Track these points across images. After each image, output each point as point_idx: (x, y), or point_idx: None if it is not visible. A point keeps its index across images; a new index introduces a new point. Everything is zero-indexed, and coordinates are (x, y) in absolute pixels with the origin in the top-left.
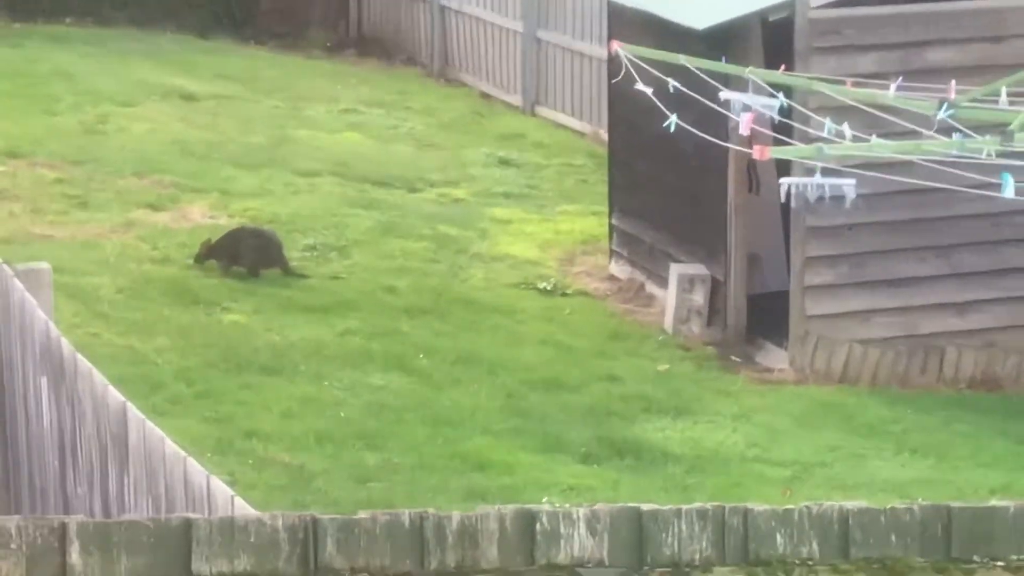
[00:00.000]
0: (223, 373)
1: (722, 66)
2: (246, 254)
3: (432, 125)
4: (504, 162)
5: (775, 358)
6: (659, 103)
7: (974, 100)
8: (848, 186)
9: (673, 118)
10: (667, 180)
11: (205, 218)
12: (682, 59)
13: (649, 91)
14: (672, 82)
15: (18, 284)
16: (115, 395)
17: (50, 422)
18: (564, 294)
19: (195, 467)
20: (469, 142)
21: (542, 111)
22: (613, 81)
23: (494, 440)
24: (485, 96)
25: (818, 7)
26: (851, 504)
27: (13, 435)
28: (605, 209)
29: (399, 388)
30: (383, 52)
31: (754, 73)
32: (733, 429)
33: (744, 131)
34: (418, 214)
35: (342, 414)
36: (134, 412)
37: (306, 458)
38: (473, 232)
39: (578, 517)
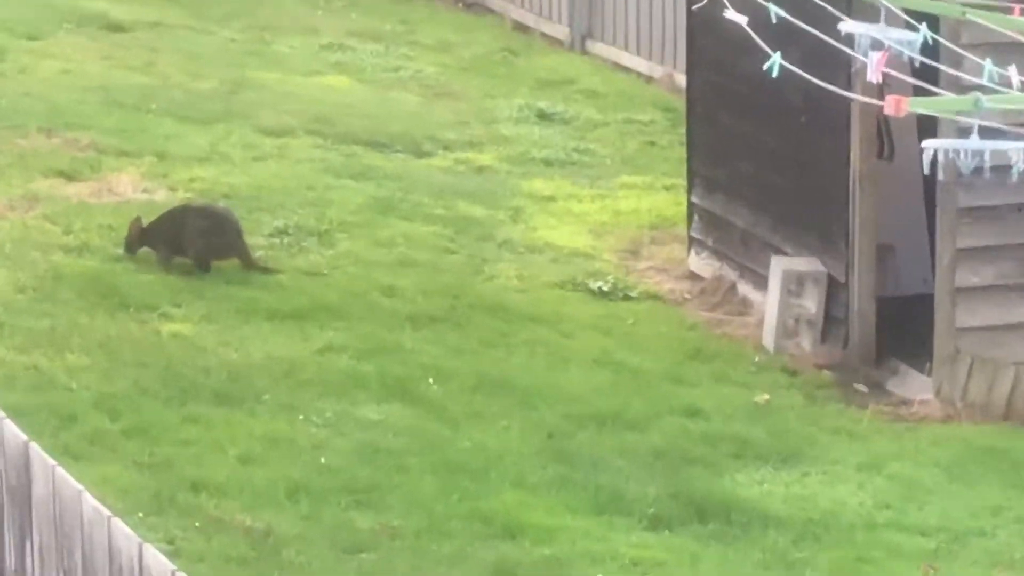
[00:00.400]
0: (161, 402)
1: None
2: (192, 240)
3: (447, 66)
4: (544, 117)
5: (914, 386)
6: (757, 38)
7: None
8: (1016, 151)
9: (776, 57)
10: (767, 143)
11: (137, 192)
12: None
13: (743, 21)
14: (775, 8)
15: None
16: (13, 431)
17: None
18: (626, 297)
19: (123, 531)
20: (497, 90)
21: (596, 48)
22: (694, 7)
23: (529, 495)
24: (519, 27)
25: None
26: None
27: None
28: (682, 182)
29: (400, 424)
30: None
31: None
32: (858, 483)
33: (873, 76)
34: (427, 187)
35: (322, 460)
36: (39, 455)
37: (273, 519)
38: (502, 212)
39: None
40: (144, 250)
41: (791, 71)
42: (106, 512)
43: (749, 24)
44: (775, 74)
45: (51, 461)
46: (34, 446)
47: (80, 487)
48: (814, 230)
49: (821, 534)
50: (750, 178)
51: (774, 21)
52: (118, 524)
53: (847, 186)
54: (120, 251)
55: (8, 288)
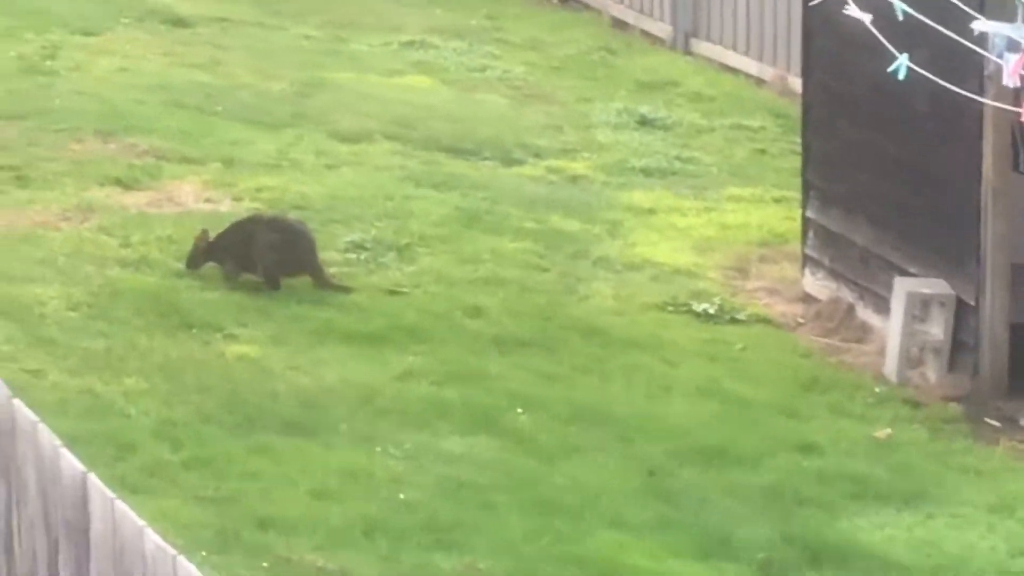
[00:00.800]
0: (225, 431)
1: None
2: (262, 255)
3: (539, 67)
4: (645, 122)
5: None
6: (881, 37)
7: None
8: None
9: (902, 59)
10: (891, 153)
11: (199, 202)
12: None
13: (867, 19)
14: (901, 5)
15: None
16: (70, 462)
17: None
18: (734, 320)
19: (189, 570)
20: (593, 92)
21: (701, 47)
22: (811, 3)
23: (628, 537)
24: (618, 24)
25: None
26: None
27: None
28: (795, 195)
29: (486, 458)
30: None
31: None
32: (988, 527)
33: (1010, 80)
34: (516, 198)
35: (402, 496)
36: (98, 487)
37: (348, 559)
38: (599, 226)
39: None
40: (209, 265)
41: (918, 74)
42: (171, 551)
43: (873, 22)
44: (901, 77)
45: (111, 494)
46: (92, 478)
47: (142, 523)
48: (942, 249)
49: None
50: (871, 191)
51: (900, 19)
52: (184, 563)
53: (978, 201)
54: (182, 266)
55: (61, 305)
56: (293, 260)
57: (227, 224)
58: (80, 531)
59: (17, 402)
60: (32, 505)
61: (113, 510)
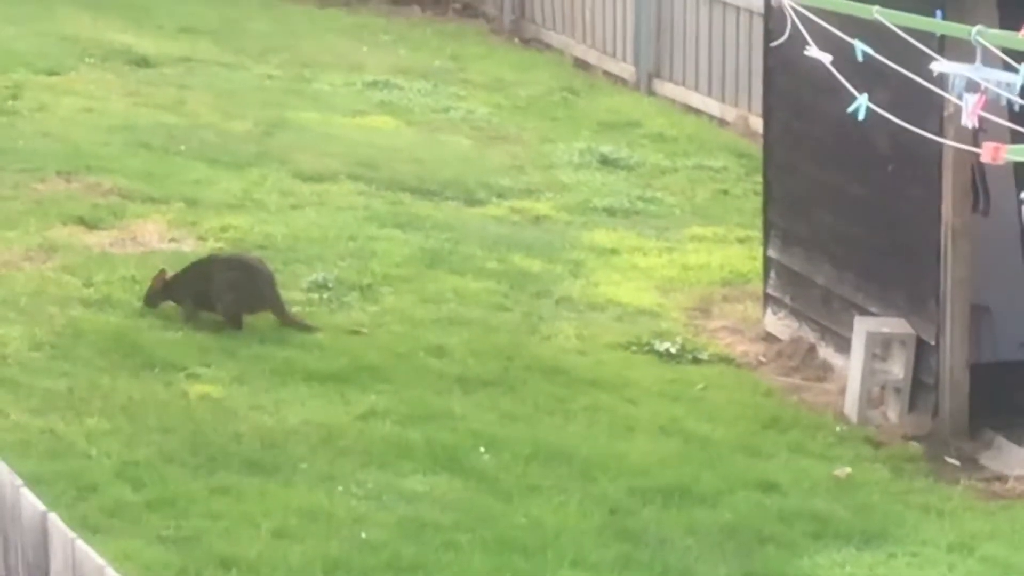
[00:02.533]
0: (188, 471)
1: (936, 24)
2: (222, 294)
3: (501, 107)
4: (608, 162)
5: (1011, 460)
6: (841, 77)
7: None
8: None
9: (862, 100)
10: (851, 193)
11: (163, 241)
12: (876, 12)
13: (827, 60)
14: (861, 46)
15: None
16: (31, 502)
17: None
18: (696, 360)
19: None
20: (556, 133)
21: (664, 88)
22: (772, 44)
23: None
24: (580, 64)
25: None
26: None
27: None
28: (757, 234)
29: (448, 497)
30: None
31: (983, 36)
32: (948, 566)
33: (969, 121)
34: (480, 238)
35: (363, 535)
36: (58, 527)
37: None
38: (561, 266)
39: None
40: (169, 304)
41: (878, 114)
42: None
43: (833, 63)
44: (861, 117)
45: (71, 534)
46: (53, 517)
47: (102, 562)
48: (902, 288)
49: None
50: (832, 231)
51: (860, 60)
52: None
53: (939, 241)
54: (142, 304)
55: (24, 345)
56: (253, 297)
57: (188, 263)
58: (40, 571)
59: None
60: None
61: (74, 550)
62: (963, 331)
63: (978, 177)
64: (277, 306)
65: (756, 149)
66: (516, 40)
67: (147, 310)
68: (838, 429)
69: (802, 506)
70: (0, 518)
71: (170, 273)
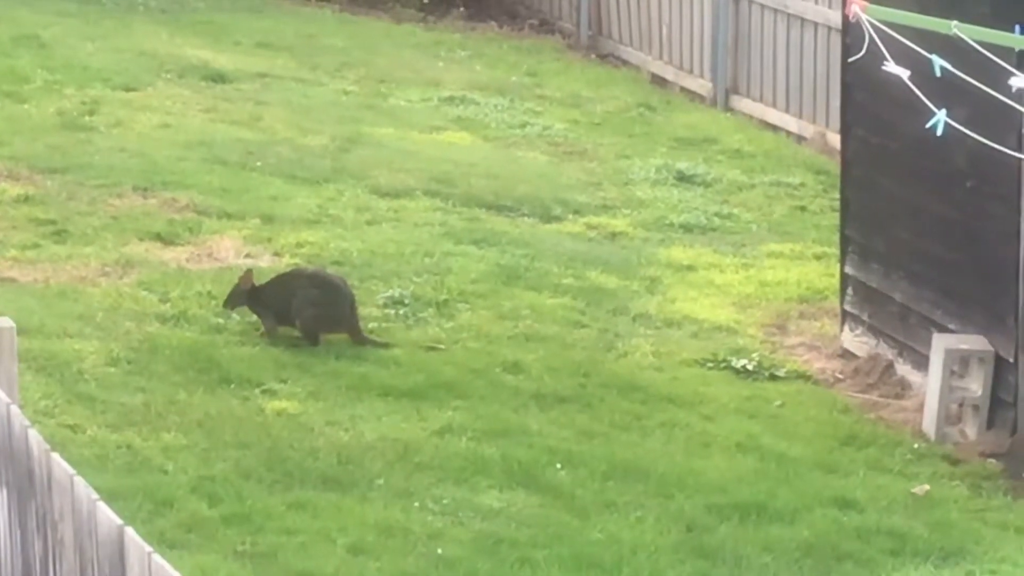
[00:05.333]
0: (264, 487)
1: (1015, 39)
2: (302, 309)
3: (578, 123)
4: (684, 178)
5: None
6: (919, 93)
7: None
8: None
9: (940, 115)
10: (930, 209)
11: (240, 257)
12: (955, 27)
13: (905, 75)
14: (939, 62)
15: None
16: (107, 516)
17: (11, 554)
18: (773, 377)
19: None
20: (633, 149)
21: (741, 104)
22: (850, 60)
23: None
24: (658, 81)
25: None
26: None
27: None
28: (834, 251)
29: (524, 513)
30: (506, 13)
31: None
32: None
33: None
34: (556, 254)
35: (440, 551)
36: (135, 542)
37: None
38: (638, 282)
39: None
40: (246, 319)
41: (957, 130)
42: None
43: (911, 78)
44: (939, 133)
45: (147, 548)
46: (129, 531)
47: None
48: (980, 305)
49: None
50: (910, 248)
51: (938, 75)
52: None
53: (1018, 258)
54: (221, 308)
55: (100, 361)
56: (332, 317)
57: (270, 276)
58: None
59: (54, 456)
60: (69, 560)
61: (150, 564)
62: None
63: None
64: (354, 328)
65: (834, 165)
66: (593, 56)
67: (220, 310)
68: (916, 446)
69: (880, 523)
70: (77, 532)
71: (253, 280)
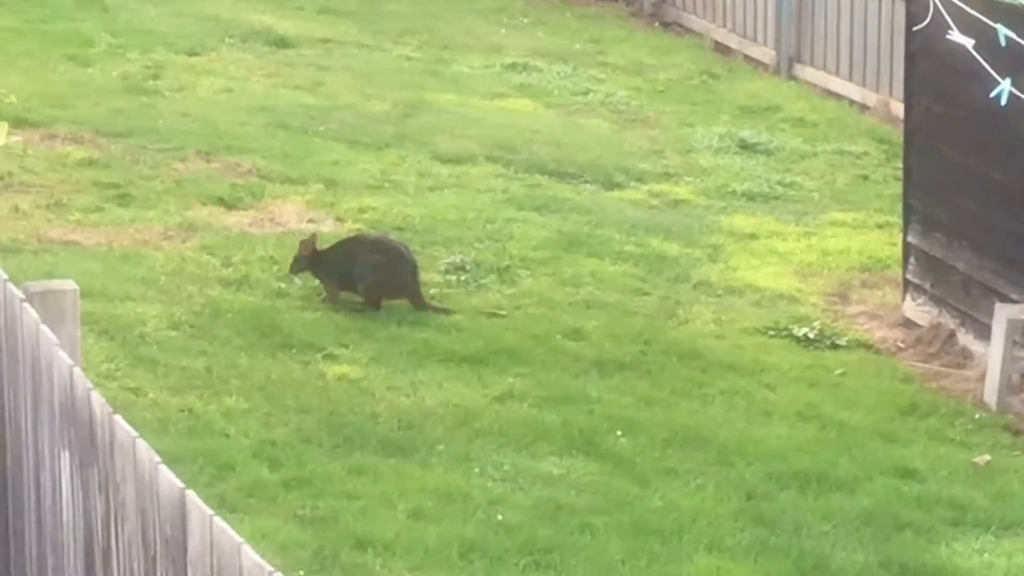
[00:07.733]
0: (325, 452)
1: None
2: (365, 275)
3: (641, 90)
4: (747, 147)
5: None
6: (984, 62)
7: None
8: None
9: (1005, 85)
10: (993, 178)
11: (302, 222)
12: None
13: (969, 44)
14: (1004, 31)
15: (31, 312)
16: (169, 479)
17: (73, 515)
18: (834, 346)
19: None
20: (696, 117)
21: (804, 72)
22: (914, 29)
23: (725, 561)
24: (721, 49)
25: None
26: None
27: (19, 531)
28: (897, 220)
29: (584, 480)
30: None
31: None
32: None
33: None
34: (618, 222)
35: (500, 517)
36: (197, 504)
37: None
38: (700, 250)
39: None
40: (309, 284)
41: (1021, 99)
42: (268, 567)
43: (975, 47)
44: (1003, 102)
45: (209, 511)
46: (191, 494)
47: (240, 540)
48: None
49: None
50: (974, 217)
51: (1003, 44)
52: None
53: None
54: (285, 273)
55: (163, 324)
56: (394, 282)
57: (332, 241)
58: (178, 547)
59: (117, 418)
60: (131, 521)
61: (211, 527)
62: None
63: None
64: (415, 295)
65: (897, 134)
66: (656, 24)
67: (285, 275)
68: (977, 416)
69: (940, 493)
70: (139, 494)
71: (318, 245)
